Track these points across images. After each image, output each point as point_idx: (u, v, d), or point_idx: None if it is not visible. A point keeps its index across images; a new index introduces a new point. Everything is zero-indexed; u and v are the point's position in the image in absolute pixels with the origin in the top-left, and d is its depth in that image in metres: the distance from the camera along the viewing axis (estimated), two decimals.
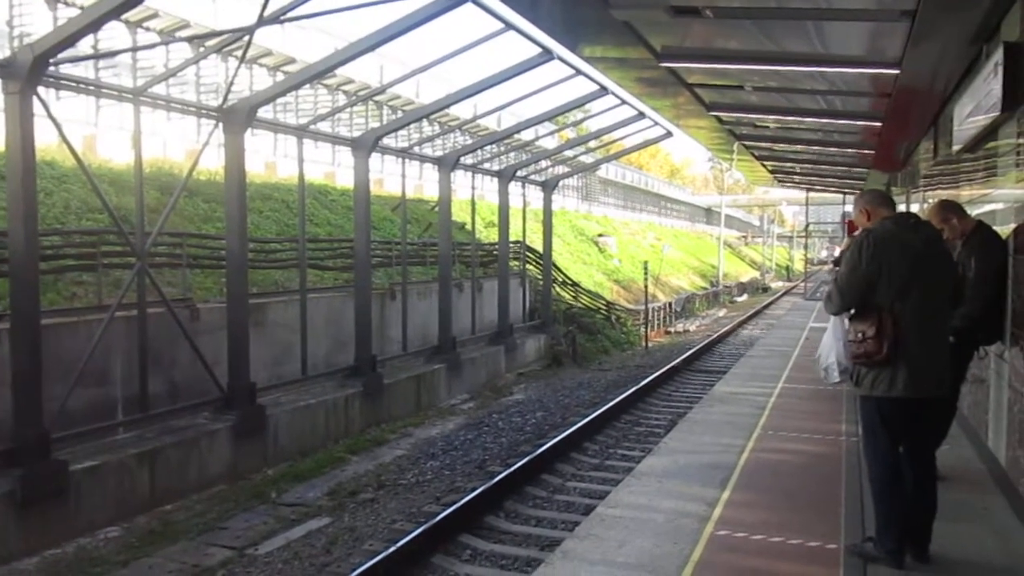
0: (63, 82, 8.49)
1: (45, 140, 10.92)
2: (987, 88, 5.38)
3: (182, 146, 17.06)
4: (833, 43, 6.86)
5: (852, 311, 4.18)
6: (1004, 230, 5.37)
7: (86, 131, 15.35)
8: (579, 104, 14.68)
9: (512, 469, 8.92)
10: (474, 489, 8.31)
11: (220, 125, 9.93)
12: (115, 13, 7.65)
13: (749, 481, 5.75)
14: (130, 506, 8.19)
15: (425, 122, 22.26)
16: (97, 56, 14.88)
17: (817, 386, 9.05)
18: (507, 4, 7.41)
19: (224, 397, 9.85)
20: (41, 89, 7.71)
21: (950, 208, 5.41)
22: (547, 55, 10.74)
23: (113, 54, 15.21)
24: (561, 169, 24.92)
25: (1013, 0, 5.00)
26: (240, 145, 10.05)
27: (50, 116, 8.03)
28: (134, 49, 16.29)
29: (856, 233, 4.42)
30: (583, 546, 4.56)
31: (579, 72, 11.72)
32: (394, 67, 21.69)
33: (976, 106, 5.89)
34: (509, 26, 9.52)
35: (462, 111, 22.77)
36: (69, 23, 7.63)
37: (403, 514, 8.12)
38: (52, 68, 7.92)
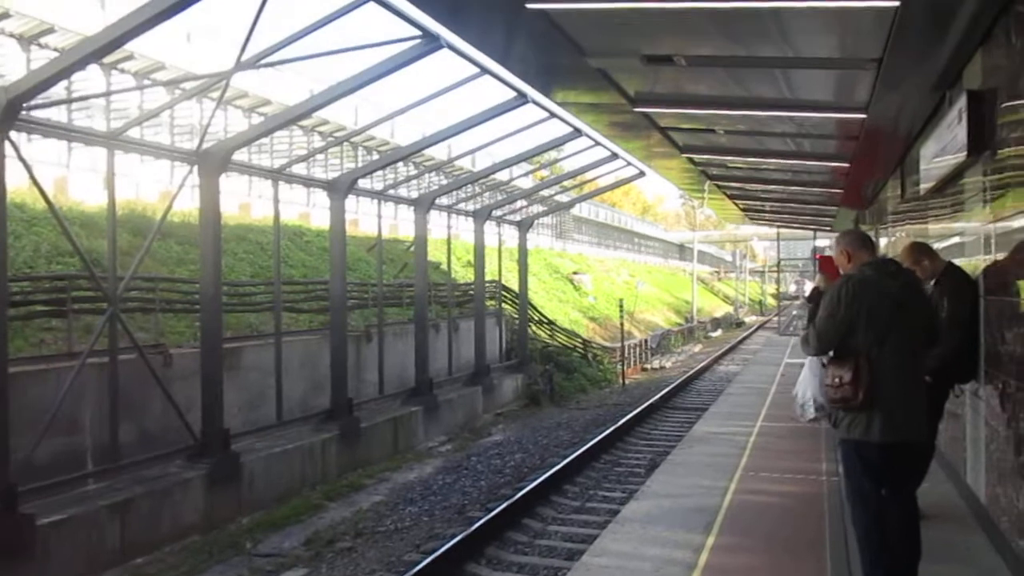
0: (37, 126, 8.42)
1: (15, 182, 10.79)
2: (952, 133, 5.54)
3: (155, 188, 16.95)
4: (801, 89, 7.04)
5: (831, 354, 4.22)
6: (971, 266, 5.49)
7: (57, 173, 15.21)
8: (554, 145, 14.87)
9: (492, 514, 8.81)
10: (454, 536, 8.19)
11: (195, 168, 9.89)
12: (92, 58, 7.65)
13: (733, 525, 5.73)
14: (100, 560, 7.93)
15: (401, 163, 22.36)
16: (71, 100, 14.82)
17: (796, 424, 9.06)
18: (482, 51, 7.53)
19: (197, 444, 9.65)
20: (12, 132, 7.63)
21: (921, 250, 5.52)
22: (522, 99, 10.88)
23: (87, 98, 15.16)
24: (536, 208, 25.10)
25: (975, 50, 5.18)
26: (215, 188, 10.01)
27: (20, 159, 7.92)
28: (109, 93, 16.23)
29: (834, 271, 4.48)
30: None
31: (553, 115, 11.89)
32: (369, 108, 21.82)
33: (942, 149, 6.05)
34: (484, 71, 9.63)
35: (438, 152, 22.91)
36: (44, 67, 7.60)
37: (382, 563, 7.97)
38: (24, 112, 7.86)
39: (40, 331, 9.88)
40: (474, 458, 12.79)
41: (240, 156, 12.82)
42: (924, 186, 7.09)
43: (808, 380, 4.89)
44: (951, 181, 6.15)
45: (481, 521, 8.55)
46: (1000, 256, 4.73)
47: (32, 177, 8.33)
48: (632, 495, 7.26)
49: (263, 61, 8.89)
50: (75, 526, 7.75)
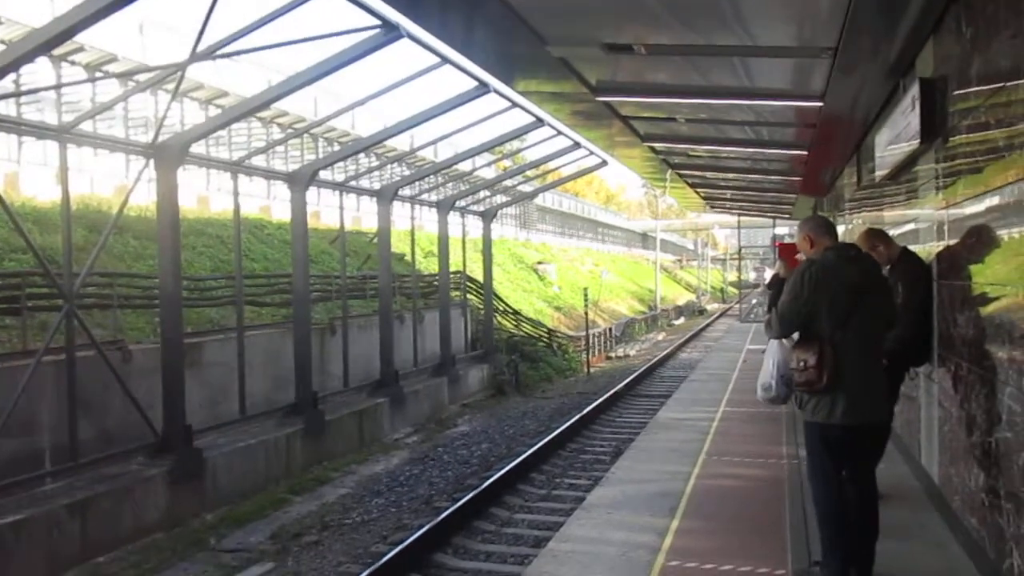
0: None
1: None
2: (905, 120, 5.65)
3: (111, 182, 16.61)
4: (759, 77, 7.11)
5: (795, 338, 4.30)
6: (925, 251, 5.62)
7: (8, 168, 14.82)
8: (516, 135, 14.85)
9: (459, 504, 8.83)
10: (421, 526, 8.20)
11: (151, 162, 9.70)
12: (41, 50, 7.45)
13: (697, 508, 5.81)
14: (61, 560, 7.78)
15: (362, 154, 22.17)
16: (20, 93, 14.41)
17: (758, 409, 9.25)
18: (443, 40, 7.48)
19: (159, 441, 9.51)
20: None
21: (876, 236, 5.64)
22: (483, 88, 10.85)
23: (37, 91, 14.77)
24: (500, 198, 25.08)
25: (927, 38, 5.29)
26: (173, 182, 9.83)
27: None
28: (60, 86, 15.84)
29: (798, 258, 4.55)
30: None
31: (515, 104, 11.88)
32: (329, 99, 21.62)
33: (896, 136, 6.17)
34: (445, 60, 9.58)
35: (400, 143, 22.78)
36: None
37: (349, 556, 7.95)
38: None
39: None
40: (440, 449, 12.79)
41: (198, 149, 12.61)
42: (879, 173, 7.23)
43: (767, 363, 4.99)
44: (905, 168, 6.28)
45: (448, 511, 8.57)
46: (952, 242, 4.85)
47: None
48: (598, 482, 7.32)
49: (219, 52, 8.74)
50: (33, 526, 7.59)
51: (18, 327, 9.59)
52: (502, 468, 10.49)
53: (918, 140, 5.21)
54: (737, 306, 43.32)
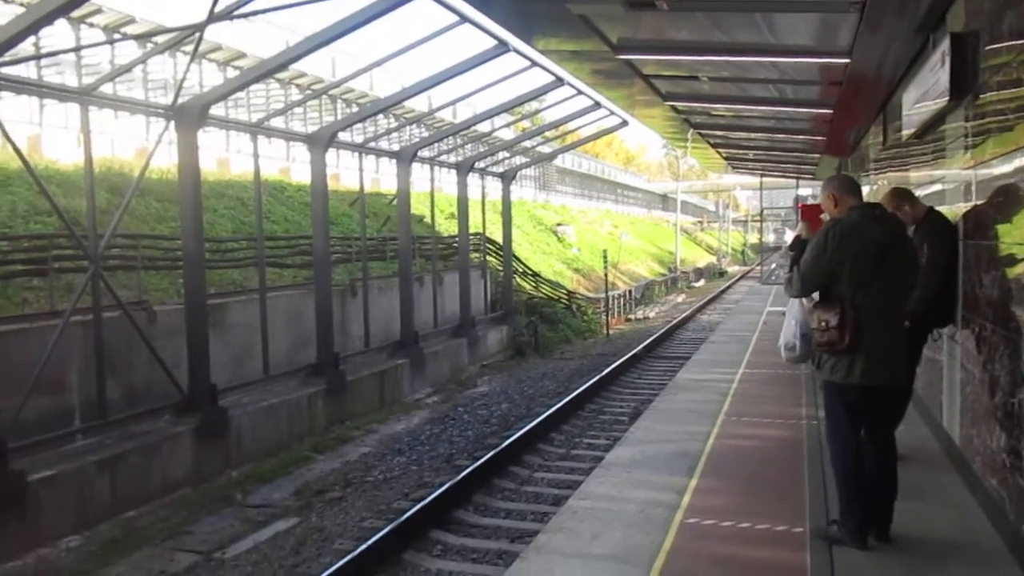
0: (7, 84, 8.23)
1: None
2: (935, 77, 5.53)
3: (131, 144, 16.66)
4: (784, 34, 6.98)
5: (816, 298, 4.28)
6: (952, 212, 5.54)
7: (30, 131, 14.90)
8: (535, 95, 14.68)
9: (480, 462, 8.96)
10: (442, 484, 8.33)
11: (171, 124, 9.72)
12: (60, 12, 7.43)
13: (715, 468, 5.85)
14: (91, 514, 8.02)
15: (381, 116, 22.06)
16: (41, 56, 14.44)
17: (777, 370, 9.26)
18: None
19: (185, 400, 9.69)
20: None
21: (902, 195, 5.55)
22: (503, 47, 10.72)
23: (57, 53, 14.78)
24: (519, 160, 24.93)
25: None
26: (193, 144, 9.86)
27: None
28: (79, 48, 15.84)
29: (822, 218, 4.51)
30: (557, 540, 4.61)
31: (535, 64, 11.73)
32: (347, 60, 21.44)
33: (924, 94, 6.04)
34: (464, 19, 9.46)
35: (418, 104, 22.62)
36: (11, 23, 7.36)
37: (372, 511, 8.10)
38: None
39: (22, 290, 9.80)
40: (461, 409, 12.93)
41: (217, 111, 12.60)
42: (906, 132, 7.09)
43: (789, 323, 4.99)
44: (932, 127, 6.15)
45: (468, 469, 8.69)
46: (980, 201, 4.77)
47: (5, 135, 8.16)
48: (617, 442, 7.39)
49: (236, 12, 8.70)
50: (65, 481, 7.82)
51: (45, 288, 9.74)
52: (522, 428, 10.59)
53: (947, 97, 5.10)
54: (758, 268, 43.02)
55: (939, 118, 5.79)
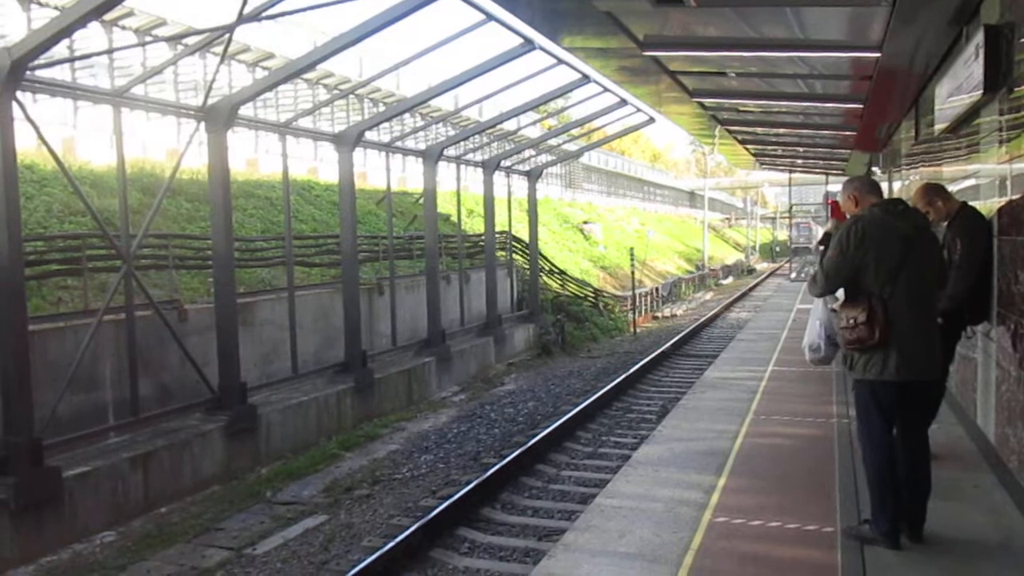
0: (43, 86, 8.39)
1: (23, 143, 10.78)
2: (968, 70, 5.43)
3: (162, 145, 16.90)
4: (813, 28, 6.90)
5: (842, 297, 4.23)
6: (986, 207, 5.44)
7: (64, 133, 15.17)
8: (561, 93, 14.65)
9: (507, 460, 8.96)
10: (469, 482, 8.34)
11: (202, 124, 9.84)
12: (93, 15, 7.54)
13: (744, 467, 5.80)
14: (125, 510, 8.16)
15: (407, 115, 22.16)
16: (75, 59, 14.70)
17: (807, 369, 9.14)
18: None
19: (215, 398, 9.82)
20: (19, 93, 7.60)
21: (935, 191, 5.46)
22: (528, 45, 10.71)
23: (90, 56, 15.03)
24: (545, 158, 24.89)
25: None
26: (223, 144, 9.97)
27: (29, 119, 7.91)
28: (112, 51, 16.09)
29: (844, 217, 4.47)
30: (584, 538, 4.60)
31: (560, 61, 11.71)
32: (374, 59, 21.53)
33: (957, 87, 5.94)
34: (490, 17, 9.46)
35: (444, 103, 22.70)
36: (47, 26, 7.49)
37: (400, 509, 8.15)
38: (29, 72, 7.82)
39: (56, 290, 9.99)
40: (487, 407, 12.95)
41: (246, 111, 12.73)
42: (938, 127, 6.97)
43: (813, 324, 4.93)
44: (966, 121, 6.05)
45: (496, 467, 8.70)
46: (1015, 197, 4.68)
47: (41, 137, 8.31)
48: (644, 440, 7.36)
49: (265, 13, 8.77)
50: (99, 477, 7.95)
51: (80, 287, 9.92)
52: (548, 426, 10.59)
53: (981, 91, 5.01)
54: (787, 265, 42.55)
55: (973, 112, 5.69)
